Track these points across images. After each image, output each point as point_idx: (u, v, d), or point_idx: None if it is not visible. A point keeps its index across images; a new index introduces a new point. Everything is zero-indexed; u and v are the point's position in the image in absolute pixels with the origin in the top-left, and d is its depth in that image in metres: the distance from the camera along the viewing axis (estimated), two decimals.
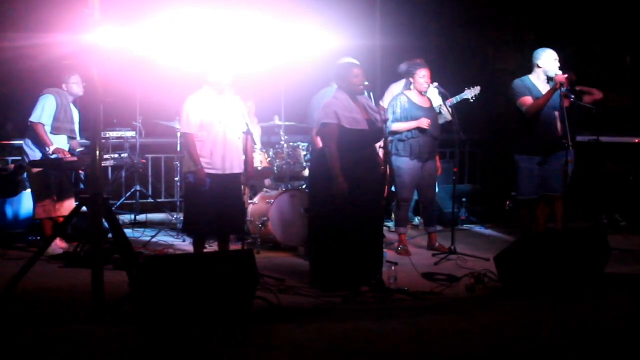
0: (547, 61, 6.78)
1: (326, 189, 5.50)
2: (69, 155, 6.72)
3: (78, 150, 7.00)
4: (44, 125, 6.75)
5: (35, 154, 6.81)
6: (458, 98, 7.64)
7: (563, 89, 6.56)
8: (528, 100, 6.75)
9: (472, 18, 10.91)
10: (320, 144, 6.35)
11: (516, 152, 6.92)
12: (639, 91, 9.49)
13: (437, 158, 7.23)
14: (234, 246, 6.97)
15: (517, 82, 6.89)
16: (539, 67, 6.84)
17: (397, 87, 7.92)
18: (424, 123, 6.83)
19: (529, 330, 4.56)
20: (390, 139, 6.96)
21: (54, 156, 6.66)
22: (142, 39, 6.67)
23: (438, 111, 7.24)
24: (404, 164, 6.91)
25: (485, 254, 6.54)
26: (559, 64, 6.74)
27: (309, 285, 5.54)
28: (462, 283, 5.66)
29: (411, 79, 6.98)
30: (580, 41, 9.90)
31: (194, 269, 4.49)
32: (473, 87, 7.66)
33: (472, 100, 7.65)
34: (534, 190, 6.84)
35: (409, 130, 6.87)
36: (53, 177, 6.83)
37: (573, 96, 6.81)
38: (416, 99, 6.97)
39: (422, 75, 6.91)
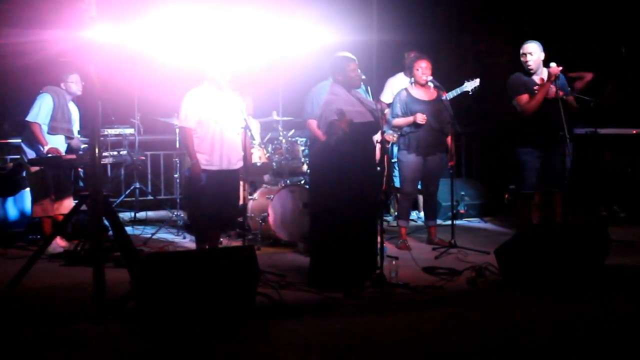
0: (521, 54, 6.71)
1: (327, 183, 5.50)
2: (64, 155, 6.70)
3: (82, 147, 6.99)
4: (40, 125, 6.73)
5: (31, 153, 6.80)
6: (458, 90, 7.64)
7: (558, 81, 6.52)
8: (524, 98, 6.63)
9: (468, 12, 10.90)
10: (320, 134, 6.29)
11: (517, 145, 6.79)
12: (636, 84, 9.48)
13: (452, 149, 7.12)
14: (235, 242, 6.99)
15: (513, 79, 6.76)
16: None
17: (394, 81, 7.94)
18: (419, 118, 6.82)
19: (530, 324, 4.57)
20: (393, 133, 7.00)
21: (48, 155, 6.64)
22: (139, 35, 6.67)
23: None
24: (404, 157, 6.95)
25: (486, 247, 6.54)
26: (527, 57, 6.60)
27: (307, 283, 5.52)
28: (463, 276, 5.67)
29: (411, 73, 7.00)
30: (576, 34, 9.89)
31: (195, 265, 4.49)
32: (472, 80, 7.66)
33: (471, 93, 7.64)
34: (537, 184, 6.75)
35: (408, 125, 6.87)
36: (51, 176, 6.81)
37: (569, 88, 6.78)
38: (416, 93, 6.96)
39: (419, 67, 6.91)
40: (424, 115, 6.82)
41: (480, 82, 7.75)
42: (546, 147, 6.65)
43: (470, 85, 7.62)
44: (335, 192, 5.46)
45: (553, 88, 6.48)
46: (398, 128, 6.94)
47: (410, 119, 6.86)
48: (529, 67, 6.66)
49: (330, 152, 5.51)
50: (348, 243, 5.46)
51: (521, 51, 6.70)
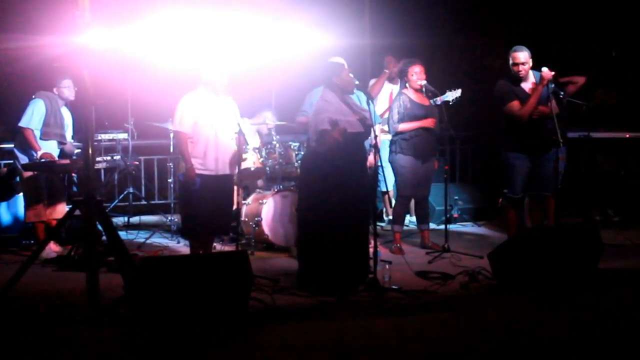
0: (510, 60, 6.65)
1: (318, 189, 5.50)
2: (58, 160, 6.69)
3: (75, 152, 6.98)
4: (32, 130, 6.72)
5: (23, 158, 6.79)
6: (438, 100, 7.65)
7: (552, 86, 6.50)
8: (515, 104, 6.53)
9: (464, 12, 10.91)
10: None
11: (506, 149, 6.70)
12: (627, 86, 9.50)
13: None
14: (228, 247, 6.98)
15: (501, 86, 6.66)
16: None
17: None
18: (430, 123, 6.85)
19: (524, 328, 4.57)
20: (394, 138, 7.00)
21: (42, 161, 6.62)
22: (133, 40, 6.65)
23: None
24: (407, 162, 6.90)
25: (479, 251, 6.56)
26: (519, 67, 6.50)
27: (296, 288, 5.50)
28: (457, 281, 5.68)
29: (405, 78, 6.99)
30: (576, 34, 9.90)
31: (188, 270, 4.49)
32: (454, 90, 7.63)
33: (451, 103, 7.58)
34: (525, 188, 6.70)
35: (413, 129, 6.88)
36: (44, 181, 6.80)
37: (562, 93, 6.78)
38: (415, 98, 6.97)
39: (413, 72, 6.91)
40: (434, 120, 6.87)
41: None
42: (536, 152, 6.60)
43: (451, 95, 7.56)
44: (326, 198, 5.46)
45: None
46: (401, 132, 6.91)
47: (418, 123, 6.85)
48: (521, 76, 6.58)
49: (321, 159, 5.51)
50: (340, 248, 5.46)
51: (513, 60, 6.55)
